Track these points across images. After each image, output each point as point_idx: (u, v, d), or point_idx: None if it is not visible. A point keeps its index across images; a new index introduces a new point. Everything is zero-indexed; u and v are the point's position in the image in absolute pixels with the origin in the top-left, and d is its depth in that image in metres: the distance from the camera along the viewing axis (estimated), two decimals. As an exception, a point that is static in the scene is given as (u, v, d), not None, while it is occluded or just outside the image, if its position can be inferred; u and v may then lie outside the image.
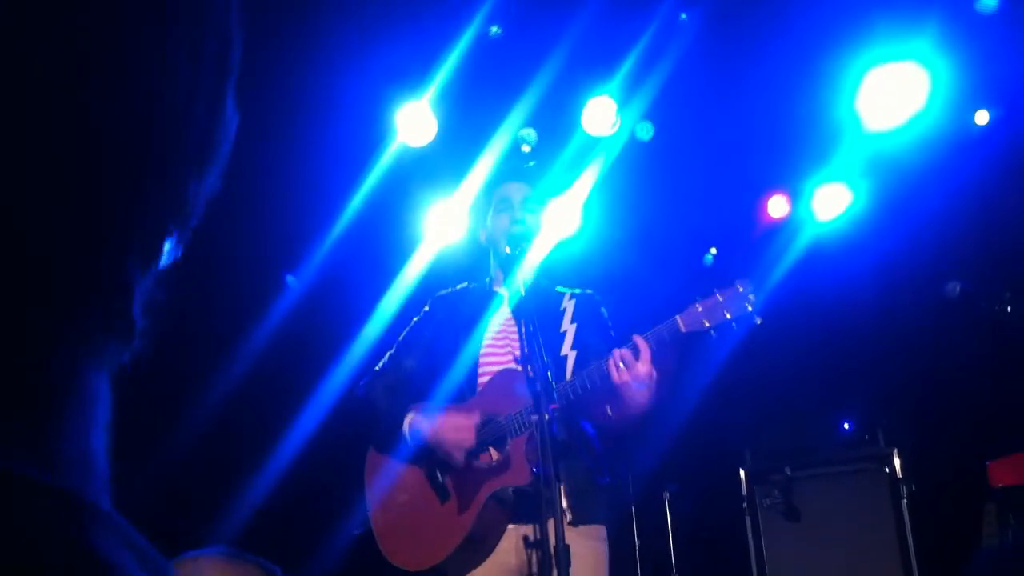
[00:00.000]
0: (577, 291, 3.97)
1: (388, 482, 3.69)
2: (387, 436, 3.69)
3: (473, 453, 3.54)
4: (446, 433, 3.51)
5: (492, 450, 3.56)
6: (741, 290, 3.36)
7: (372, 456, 3.79)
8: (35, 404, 0.53)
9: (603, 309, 3.88)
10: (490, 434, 3.54)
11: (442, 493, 3.60)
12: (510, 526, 3.51)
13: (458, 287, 4.06)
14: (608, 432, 3.63)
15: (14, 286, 0.52)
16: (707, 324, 3.36)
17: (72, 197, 0.54)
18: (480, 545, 3.51)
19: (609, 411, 3.51)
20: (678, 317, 3.40)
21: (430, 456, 3.61)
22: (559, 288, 3.99)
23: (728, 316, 3.35)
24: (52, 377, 0.54)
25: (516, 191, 3.89)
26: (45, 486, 0.51)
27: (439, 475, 3.62)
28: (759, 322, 3.36)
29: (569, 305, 3.89)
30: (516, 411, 3.47)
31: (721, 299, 3.37)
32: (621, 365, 3.34)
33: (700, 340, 3.44)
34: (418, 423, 3.60)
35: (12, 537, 0.48)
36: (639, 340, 3.36)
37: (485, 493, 3.49)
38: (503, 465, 3.49)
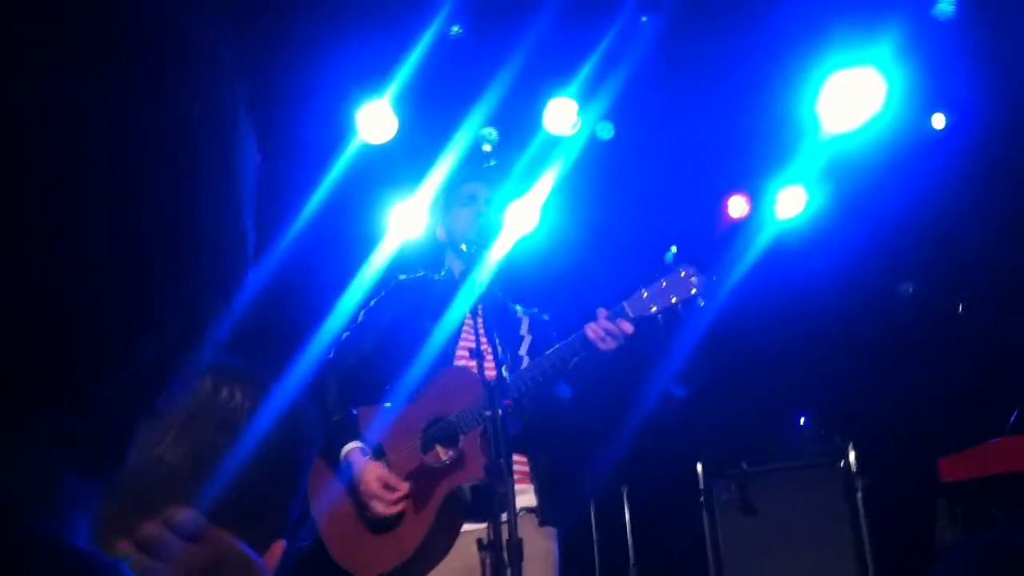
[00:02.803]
0: (531, 311, 4.01)
1: (336, 486, 3.63)
2: (329, 443, 3.63)
3: (422, 452, 3.56)
4: (374, 493, 3.49)
5: (440, 448, 3.57)
6: (683, 274, 3.44)
7: (316, 459, 3.73)
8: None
9: (553, 332, 3.91)
10: (439, 432, 3.56)
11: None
12: (467, 526, 3.52)
13: (418, 275, 4.06)
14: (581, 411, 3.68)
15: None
16: (653, 309, 3.43)
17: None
18: (438, 547, 3.50)
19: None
20: (625, 303, 3.46)
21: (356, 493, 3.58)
22: (510, 304, 4.02)
23: (673, 300, 3.42)
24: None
25: (479, 189, 3.92)
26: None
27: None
28: (702, 304, 3.43)
29: (524, 319, 3.94)
30: (465, 407, 3.50)
31: (665, 284, 3.45)
32: (603, 334, 3.38)
33: (650, 333, 3.50)
34: (354, 458, 3.58)
35: None
36: (592, 328, 3.42)
37: (442, 492, 3.48)
38: (457, 463, 3.50)
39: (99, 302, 0.51)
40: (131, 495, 1.13)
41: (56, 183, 0.49)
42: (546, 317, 4.02)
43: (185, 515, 1.10)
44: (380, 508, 3.47)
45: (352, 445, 3.60)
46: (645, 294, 3.46)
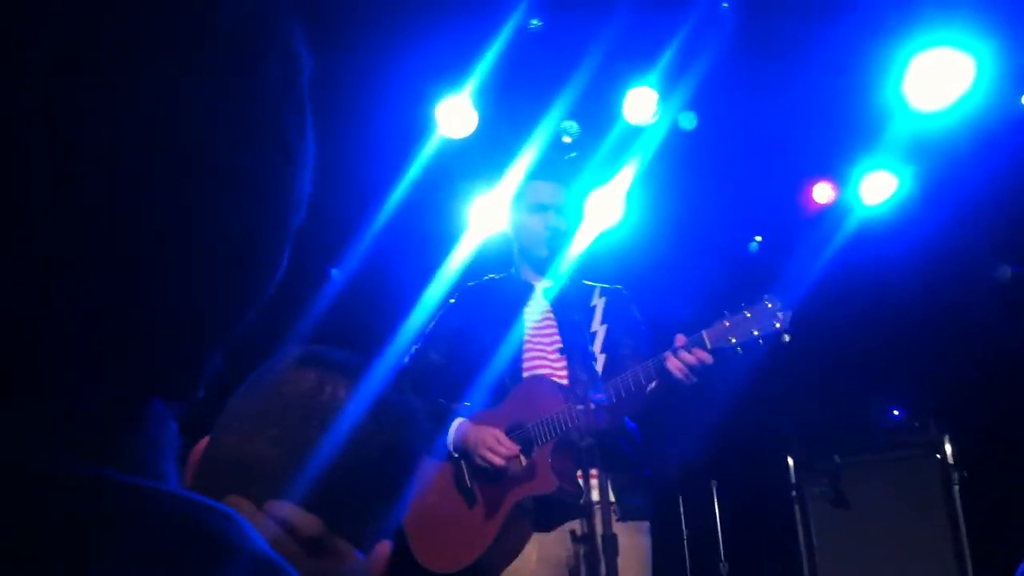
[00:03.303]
0: (607, 286, 3.95)
1: (419, 482, 3.69)
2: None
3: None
4: (484, 449, 3.52)
5: (521, 457, 3.58)
6: (770, 306, 3.31)
7: None
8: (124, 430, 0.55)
9: (634, 307, 3.86)
10: (517, 440, 3.56)
11: (469, 497, 3.62)
12: (535, 534, 3.53)
13: (485, 279, 4.06)
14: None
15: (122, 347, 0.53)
16: (732, 340, 3.32)
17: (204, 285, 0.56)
18: (506, 551, 3.53)
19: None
20: (704, 333, 3.36)
21: (464, 460, 3.63)
22: (587, 282, 3.97)
23: (755, 333, 3.30)
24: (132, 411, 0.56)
25: (549, 192, 3.87)
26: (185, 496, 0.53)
27: (467, 479, 3.64)
28: (787, 339, 3.31)
29: (599, 303, 3.88)
30: (543, 418, 3.49)
31: (749, 315, 3.33)
32: (686, 370, 3.31)
33: (730, 363, 3.40)
34: (462, 428, 3.62)
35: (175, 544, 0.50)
36: (692, 347, 3.35)
37: (511, 501, 3.51)
38: (528, 473, 3.50)
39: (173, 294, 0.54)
40: (226, 490, 1.13)
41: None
42: (625, 292, 3.95)
43: (280, 504, 1.09)
44: (493, 458, 3.49)
45: (459, 420, 3.67)
46: (727, 324, 3.35)
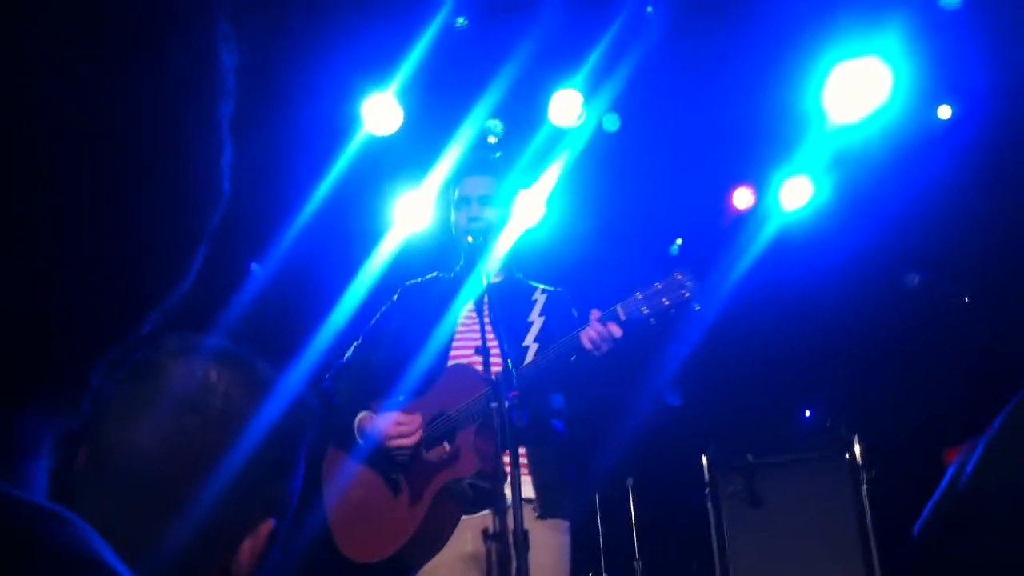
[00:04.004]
0: (550, 288, 4.02)
1: (344, 478, 3.75)
2: (343, 433, 3.73)
3: (424, 447, 3.60)
4: (391, 432, 3.58)
5: (445, 443, 3.62)
6: (679, 278, 3.47)
7: (331, 452, 3.84)
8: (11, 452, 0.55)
9: (574, 310, 3.93)
10: (441, 428, 3.61)
11: (395, 487, 3.65)
12: (464, 517, 3.57)
13: (428, 276, 4.09)
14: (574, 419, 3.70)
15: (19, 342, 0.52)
16: (645, 311, 3.45)
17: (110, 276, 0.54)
18: (434, 536, 3.56)
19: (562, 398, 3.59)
20: (619, 305, 3.49)
21: (382, 454, 3.66)
22: (531, 282, 4.04)
23: (666, 303, 3.44)
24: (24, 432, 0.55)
25: (475, 186, 3.92)
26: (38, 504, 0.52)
27: (392, 470, 3.67)
28: (697, 308, 3.46)
29: (540, 298, 3.95)
30: (464, 404, 3.53)
31: (660, 287, 3.48)
32: (597, 340, 3.41)
33: (653, 329, 3.52)
34: (367, 423, 3.66)
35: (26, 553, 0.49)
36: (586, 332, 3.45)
37: (436, 485, 3.55)
38: (453, 457, 3.55)
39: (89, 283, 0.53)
40: (109, 485, 1.15)
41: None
42: (567, 294, 4.02)
43: None
44: (404, 442, 3.57)
45: (364, 413, 3.70)
46: (639, 296, 3.49)
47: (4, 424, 0.54)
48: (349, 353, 3.93)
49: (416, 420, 3.60)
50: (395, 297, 4.02)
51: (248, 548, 1.21)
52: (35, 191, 0.49)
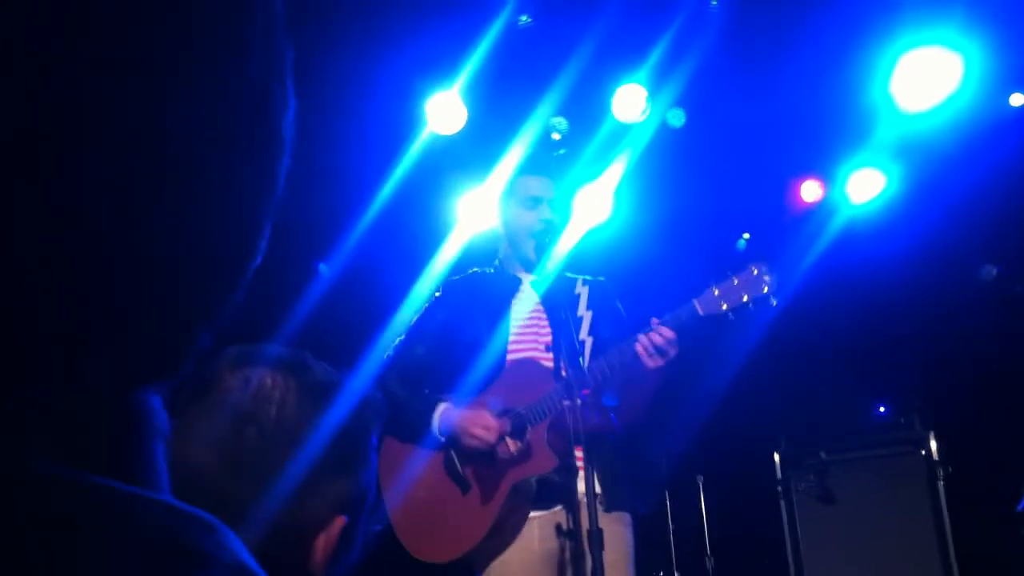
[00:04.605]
0: (589, 278, 4.00)
1: (406, 475, 3.70)
2: (408, 427, 3.69)
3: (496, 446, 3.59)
4: (474, 428, 3.54)
5: (509, 440, 3.60)
6: (756, 272, 3.42)
7: (388, 448, 3.77)
8: (110, 428, 0.54)
9: (618, 301, 3.91)
10: (509, 425, 3.59)
11: (463, 485, 3.63)
12: (534, 512, 3.55)
13: (469, 272, 4.07)
14: (626, 416, 3.67)
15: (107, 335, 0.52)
16: (724, 307, 3.42)
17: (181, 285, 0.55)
18: (504, 535, 3.55)
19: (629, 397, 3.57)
20: (695, 301, 3.46)
21: (453, 447, 3.64)
22: (568, 274, 4.01)
23: (745, 299, 3.40)
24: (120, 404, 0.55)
25: (542, 187, 3.90)
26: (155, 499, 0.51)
27: (459, 467, 3.65)
28: (775, 303, 3.42)
29: (583, 291, 3.93)
30: (535, 400, 3.51)
31: (737, 282, 3.43)
32: (653, 352, 3.39)
33: (725, 325, 3.48)
34: (448, 414, 3.63)
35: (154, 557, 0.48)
36: (664, 329, 3.42)
37: (508, 483, 3.53)
38: (524, 454, 3.53)
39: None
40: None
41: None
42: (609, 286, 4.00)
43: None
44: (484, 434, 3.53)
45: (443, 405, 3.65)
46: (716, 292, 3.45)
47: (118, 399, 0.55)
48: (391, 350, 3.90)
49: (497, 419, 3.56)
50: (438, 294, 4.00)
51: (322, 545, 1.22)
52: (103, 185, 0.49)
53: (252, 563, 0.53)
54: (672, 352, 3.40)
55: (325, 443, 1.23)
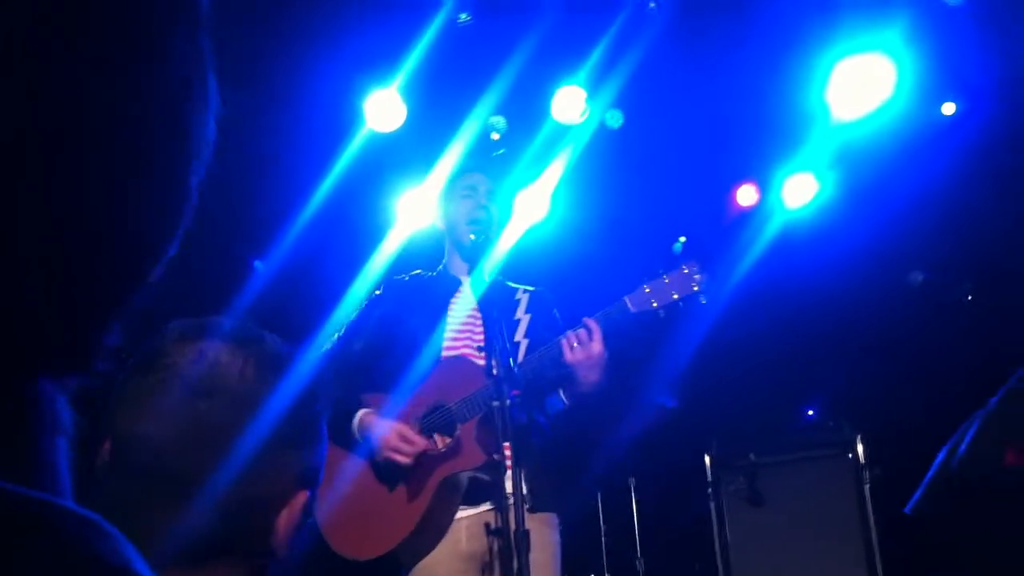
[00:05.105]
0: (530, 288, 4.01)
1: (332, 472, 3.63)
2: (334, 427, 3.63)
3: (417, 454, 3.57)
4: (396, 442, 3.50)
5: (438, 436, 3.59)
6: (687, 271, 3.47)
7: None
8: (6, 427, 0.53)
9: (555, 310, 3.93)
10: (437, 420, 3.58)
11: (390, 481, 3.61)
12: (462, 512, 3.55)
13: (412, 273, 4.06)
14: (562, 415, 3.68)
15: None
16: (655, 304, 3.45)
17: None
18: (432, 531, 3.54)
19: (562, 395, 3.58)
20: (626, 298, 3.49)
21: (379, 457, 3.61)
22: (509, 283, 4.03)
23: (675, 296, 3.44)
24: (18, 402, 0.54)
25: (480, 181, 3.92)
26: (43, 501, 0.50)
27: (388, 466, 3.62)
28: (704, 302, 3.46)
29: (523, 297, 3.95)
30: (464, 396, 3.51)
31: (668, 280, 3.47)
32: (575, 345, 3.40)
33: (658, 327, 3.51)
34: (369, 424, 3.60)
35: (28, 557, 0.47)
36: (590, 321, 3.44)
37: (437, 479, 3.52)
38: (453, 450, 3.52)
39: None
40: (131, 477, 1.16)
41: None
42: (548, 295, 4.01)
43: None
44: (400, 459, 3.48)
45: (364, 411, 3.62)
46: (648, 289, 3.49)
47: (13, 393, 0.54)
48: (330, 344, 3.87)
49: (419, 443, 3.51)
50: (378, 292, 3.99)
51: (285, 520, 1.23)
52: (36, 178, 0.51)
53: (143, 570, 0.52)
54: (596, 348, 3.41)
55: (282, 415, 1.23)
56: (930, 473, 1.66)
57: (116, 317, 0.58)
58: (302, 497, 1.25)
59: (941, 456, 1.67)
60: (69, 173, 0.51)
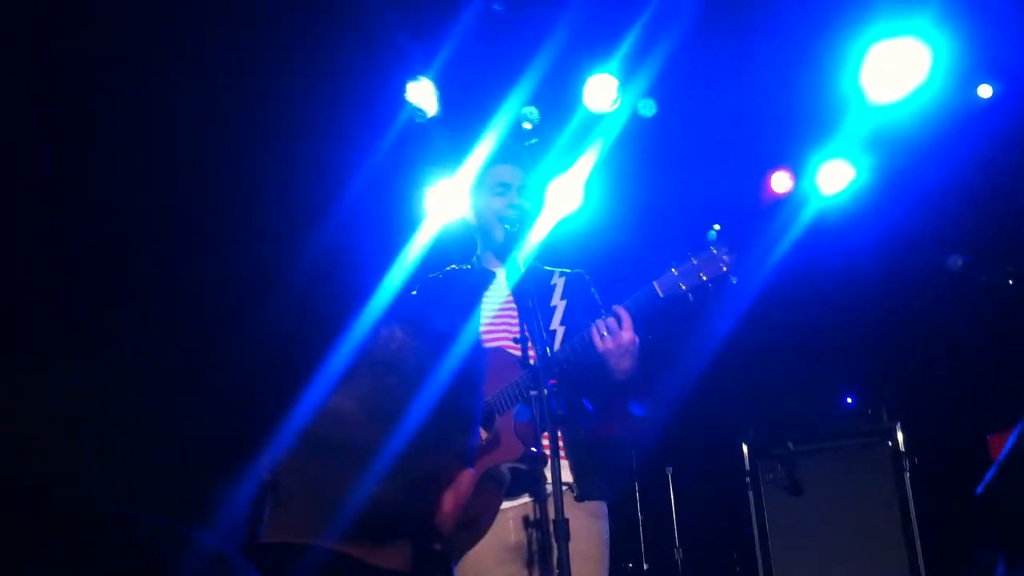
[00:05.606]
0: (567, 271, 3.99)
1: None
2: None
3: None
4: None
5: (481, 430, 3.58)
6: (715, 252, 3.43)
7: None
8: None
9: (593, 290, 3.91)
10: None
11: None
12: (505, 503, 3.54)
13: (447, 269, 4.05)
14: (601, 403, 3.66)
15: None
16: (683, 287, 3.42)
17: None
18: (476, 524, 3.53)
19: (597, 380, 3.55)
20: (655, 282, 3.46)
21: None
22: (546, 267, 4.00)
23: (704, 278, 3.41)
24: None
25: (512, 174, 3.89)
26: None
27: None
28: (734, 281, 3.42)
29: (559, 282, 3.92)
30: (502, 389, 3.50)
31: (696, 262, 3.44)
32: (605, 333, 3.38)
33: (695, 315, 3.48)
34: None
35: None
36: (619, 309, 3.42)
37: (478, 471, 3.51)
38: (492, 443, 3.51)
39: None
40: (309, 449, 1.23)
41: None
42: (586, 276, 3.99)
43: None
44: None
45: None
46: (675, 272, 3.45)
47: None
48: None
49: None
50: (413, 292, 3.99)
51: (451, 499, 1.27)
52: None
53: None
54: (626, 336, 3.38)
55: (451, 393, 1.28)
56: (1004, 452, 1.63)
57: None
58: (468, 475, 1.28)
59: (1014, 436, 1.64)
60: None
